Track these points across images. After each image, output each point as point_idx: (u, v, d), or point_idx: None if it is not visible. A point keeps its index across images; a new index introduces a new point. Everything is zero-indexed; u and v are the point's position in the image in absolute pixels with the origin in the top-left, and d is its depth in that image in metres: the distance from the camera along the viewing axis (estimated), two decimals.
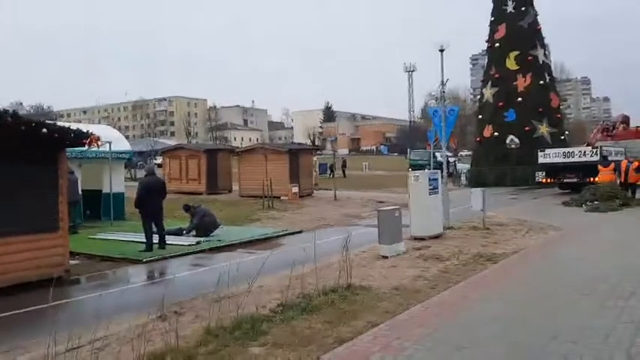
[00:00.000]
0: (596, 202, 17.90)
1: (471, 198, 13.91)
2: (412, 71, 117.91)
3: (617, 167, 20.52)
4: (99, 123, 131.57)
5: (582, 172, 23.56)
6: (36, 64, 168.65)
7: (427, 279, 8.09)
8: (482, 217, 13.95)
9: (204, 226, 13.66)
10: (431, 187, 12.24)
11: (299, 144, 40.85)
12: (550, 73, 36.42)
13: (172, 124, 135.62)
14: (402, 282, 7.92)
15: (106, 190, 17.64)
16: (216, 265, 10.49)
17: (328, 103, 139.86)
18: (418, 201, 12.17)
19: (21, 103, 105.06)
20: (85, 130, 8.95)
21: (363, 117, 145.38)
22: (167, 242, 12.43)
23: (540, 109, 33.99)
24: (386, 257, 10.14)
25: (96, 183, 17.78)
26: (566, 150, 25.69)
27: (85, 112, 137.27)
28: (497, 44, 36.07)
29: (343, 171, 48.40)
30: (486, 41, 37.47)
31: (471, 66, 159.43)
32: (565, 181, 24.73)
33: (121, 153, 17.69)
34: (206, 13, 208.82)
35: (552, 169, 25.20)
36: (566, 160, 24.43)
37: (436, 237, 12.32)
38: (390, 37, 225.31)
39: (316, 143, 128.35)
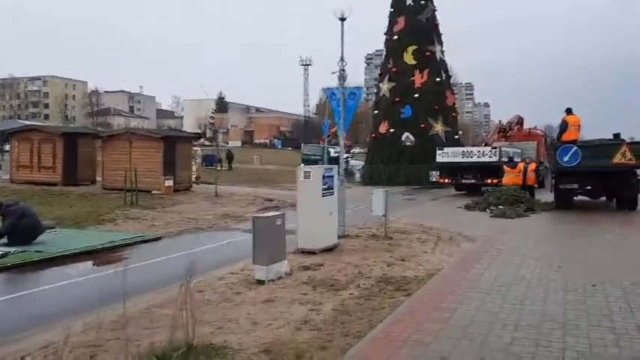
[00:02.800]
0: (501, 207, 16.42)
1: (371, 200, 11.50)
2: (308, 65, 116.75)
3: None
4: None
5: (481, 173, 22.44)
6: None
7: (316, 326, 5.41)
8: (384, 225, 11.64)
9: (21, 230, 10.03)
10: (325, 187, 9.64)
11: (177, 130, 36.91)
12: (446, 71, 35.70)
13: (47, 106, 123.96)
14: (279, 333, 5.17)
15: None
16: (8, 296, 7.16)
17: (221, 93, 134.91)
18: (308, 204, 9.52)
19: None
20: None
21: (258, 109, 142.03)
22: None
23: (436, 107, 33.07)
24: (262, 282, 7.37)
25: None
26: (465, 149, 24.53)
27: None
28: (395, 37, 34.70)
29: (229, 163, 44.88)
30: (385, 33, 36.00)
31: (365, 65, 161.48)
32: (463, 181, 23.50)
33: None
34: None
35: (449, 169, 23.89)
36: (465, 159, 23.18)
37: (329, 250, 9.76)
38: (291, 30, 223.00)
39: (207, 134, 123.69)
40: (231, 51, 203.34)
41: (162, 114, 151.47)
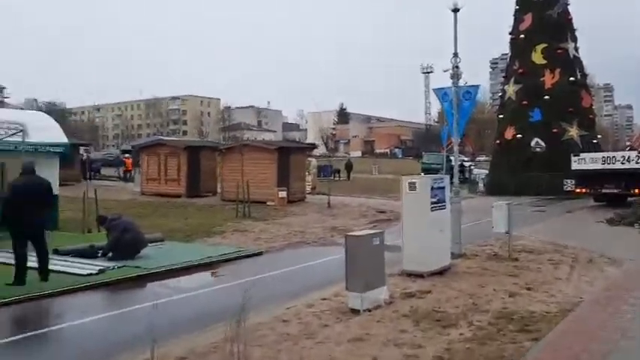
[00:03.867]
0: None
1: (492, 215, 10.02)
2: (429, 72, 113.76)
3: None
4: (113, 121, 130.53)
5: (626, 182, 19.53)
6: (50, 61, 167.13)
7: None
8: (508, 243, 10.09)
9: (123, 245, 9.98)
10: (435, 200, 8.44)
11: (293, 142, 37.06)
12: (582, 69, 32.20)
13: (185, 123, 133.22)
14: None
15: None
16: (97, 316, 6.86)
17: (342, 104, 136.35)
18: (415, 219, 8.38)
19: (35, 100, 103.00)
20: None
21: (379, 119, 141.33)
22: (60, 270, 8.80)
23: (570, 109, 29.83)
24: (356, 312, 6.38)
25: None
26: (607, 155, 21.58)
27: (98, 109, 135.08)
28: (521, 36, 31.98)
29: (348, 173, 44.45)
30: (510, 33, 33.39)
31: (490, 70, 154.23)
32: (603, 191, 20.65)
33: (49, 146, 14.06)
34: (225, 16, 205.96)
35: (587, 177, 21.14)
36: (606, 166, 20.35)
37: (440, 273, 8.51)
38: (409, 37, 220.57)
39: (329, 145, 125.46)
40: (351, 61, 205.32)
41: (287, 127, 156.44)
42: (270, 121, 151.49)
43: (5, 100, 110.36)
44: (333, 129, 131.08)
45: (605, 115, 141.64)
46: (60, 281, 8.22)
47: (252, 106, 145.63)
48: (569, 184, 22.31)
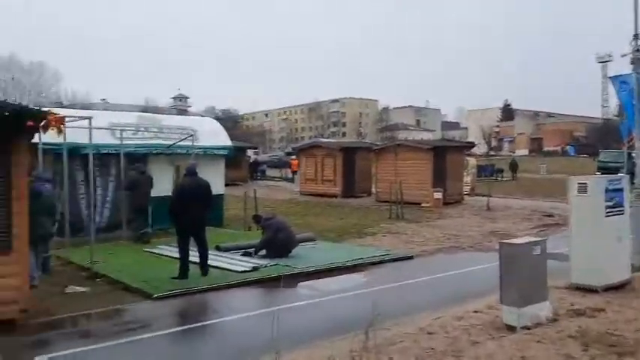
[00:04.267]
0: None
1: None
2: (607, 61, 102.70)
3: None
4: (279, 125, 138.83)
5: None
6: (226, 72, 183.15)
7: None
8: None
9: (276, 244, 10.28)
10: (610, 204, 7.33)
11: (450, 140, 35.71)
12: None
13: (344, 125, 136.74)
14: None
15: None
16: (242, 314, 7.08)
17: (507, 100, 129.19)
18: (585, 226, 7.36)
19: (213, 107, 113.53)
20: (36, 108, 6.05)
21: (549, 114, 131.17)
22: (218, 266, 9.32)
23: None
24: (512, 328, 5.73)
25: None
26: None
27: (266, 115, 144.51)
28: None
29: (513, 173, 41.81)
30: None
31: None
32: None
33: (216, 149, 15.11)
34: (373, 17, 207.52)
35: None
36: None
37: (616, 288, 7.36)
38: (582, 25, 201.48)
39: (492, 144, 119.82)
40: (517, 53, 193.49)
41: (447, 126, 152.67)
42: (428, 121, 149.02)
43: (188, 108, 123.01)
44: (497, 126, 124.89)
45: None
46: (217, 277, 8.68)
47: (410, 106, 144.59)
48: None
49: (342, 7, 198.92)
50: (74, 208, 12.87)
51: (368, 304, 7.24)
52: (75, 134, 12.44)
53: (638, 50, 8.61)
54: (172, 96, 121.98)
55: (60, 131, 6.18)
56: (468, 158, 28.82)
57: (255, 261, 9.72)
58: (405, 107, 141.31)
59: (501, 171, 42.12)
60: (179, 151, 13.95)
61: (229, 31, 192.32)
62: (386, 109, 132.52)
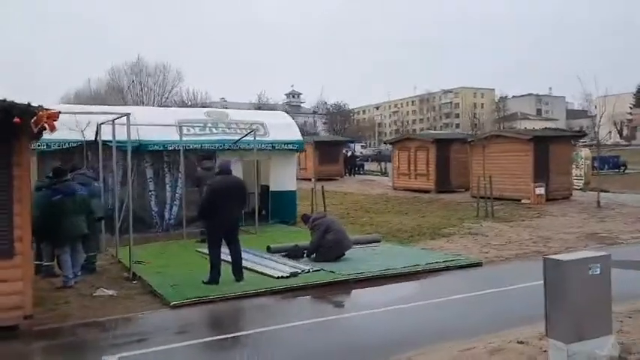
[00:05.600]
0: None
1: None
2: None
3: None
4: (390, 117, 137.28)
5: None
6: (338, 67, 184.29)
7: None
8: None
9: (325, 246, 9.46)
10: None
11: (557, 129, 32.38)
12: None
13: (457, 116, 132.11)
14: None
15: (274, 187, 14.86)
16: (251, 330, 6.37)
17: None
18: None
19: (325, 102, 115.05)
20: (24, 103, 5.71)
21: None
22: (257, 270, 8.71)
23: None
24: None
25: (264, 179, 15.14)
26: None
27: (377, 108, 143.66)
28: None
29: None
30: None
31: None
32: None
33: (285, 143, 14.55)
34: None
35: None
36: None
37: None
38: None
39: (624, 133, 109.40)
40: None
41: (572, 114, 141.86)
42: (551, 109, 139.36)
43: (301, 104, 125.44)
44: (629, 114, 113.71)
45: None
46: (249, 283, 8.04)
47: (530, 94, 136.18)
48: None
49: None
50: (143, 205, 13.02)
51: (397, 325, 6.30)
52: (144, 131, 12.64)
53: None
54: (285, 92, 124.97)
55: (53, 128, 5.82)
56: (581, 148, 25.88)
57: (300, 265, 8.96)
58: (524, 96, 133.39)
59: (624, 165, 37.75)
60: (246, 146, 13.58)
61: (343, 28, 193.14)
62: (503, 99, 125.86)
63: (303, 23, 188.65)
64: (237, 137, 13.72)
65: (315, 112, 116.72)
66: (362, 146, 72.99)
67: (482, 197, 17.33)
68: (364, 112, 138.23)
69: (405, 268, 8.93)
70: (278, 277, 8.27)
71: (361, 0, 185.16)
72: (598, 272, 4.65)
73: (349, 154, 38.39)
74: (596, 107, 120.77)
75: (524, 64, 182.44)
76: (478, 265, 9.43)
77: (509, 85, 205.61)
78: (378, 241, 11.34)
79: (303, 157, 33.61)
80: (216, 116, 14.45)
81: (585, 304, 4.59)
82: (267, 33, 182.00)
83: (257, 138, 13.59)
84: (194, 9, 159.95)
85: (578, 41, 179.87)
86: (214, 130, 13.67)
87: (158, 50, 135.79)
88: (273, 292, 7.76)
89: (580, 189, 22.81)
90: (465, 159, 24.28)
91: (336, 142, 35.81)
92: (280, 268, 8.77)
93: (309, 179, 32.69)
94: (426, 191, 23.85)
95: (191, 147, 12.95)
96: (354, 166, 36.26)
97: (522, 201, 19.29)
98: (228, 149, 13.57)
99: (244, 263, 8.52)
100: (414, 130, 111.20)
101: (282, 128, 14.83)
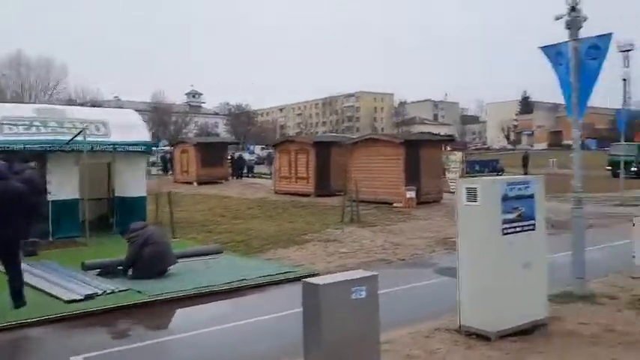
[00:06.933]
0: None
1: (633, 238, 6.36)
2: (628, 50, 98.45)
3: None
4: (294, 120, 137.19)
5: None
6: (241, 67, 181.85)
7: None
8: None
9: (142, 261, 8.42)
10: (511, 217, 5.29)
11: (427, 134, 33.42)
12: None
13: (359, 119, 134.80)
14: None
15: (120, 193, 13.52)
16: None
17: (525, 93, 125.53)
18: (476, 247, 5.34)
19: (227, 103, 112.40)
20: None
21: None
22: (45, 290, 7.50)
23: None
24: None
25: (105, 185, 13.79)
26: None
27: (281, 110, 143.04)
28: None
29: (524, 167, 39.64)
30: None
31: None
32: None
33: (129, 145, 13.21)
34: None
35: None
36: None
37: (526, 332, 5.33)
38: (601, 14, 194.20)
39: (510, 138, 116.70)
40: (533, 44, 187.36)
41: (466, 119, 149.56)
42: (446, 114, 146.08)
43: (202, 105, 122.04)
44: (515, 120, 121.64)
45: None
46: (33, 308, 6.82)
47: (428, 100, 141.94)
48: None
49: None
50: None
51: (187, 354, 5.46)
52: None
53: (574, 9, 6.49)
54: (186, 92, 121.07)
55: None
56: (455, 152, 26.68)
57: (105, 285, 7.83)
58: (422, 101, 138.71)
59: (502, 169, 39.82)
60: (83, 147, 12.08)
61: (255, 26, 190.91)
62: (403, 104, 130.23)
63: (208, 22, 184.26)
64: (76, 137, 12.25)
65: (216, 114, 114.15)
66: (262, 148, 72.06)
67: (355, 201, 17.08)
68: (268, 114, 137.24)
69: (229, 284, 8.10)
70: (69, 301, 7.12)
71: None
72: (363, 295, 4.06)
73: (237, 155, 37.27)
74: (486, 114, 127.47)
75: (424, 70, 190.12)
76: (314, 276, 8.80)
77: (409, 90, 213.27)
78: (219, 253, 10.46)
79: (185, 159, 32.23)
80: (48, 114, 12.86)
81: (348, 332, 3.97)
82: (167, 31, 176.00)
83: (98, 138, 12.24)
84: (88, 7, 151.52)
85: (472, 49, 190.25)
86: (42, 130, 12.11)
87: (46, 45, 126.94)
88: (59, 320, 6.62)
89: (452, 192, 23.34)
90: (345, 162, 24.09)
91: (221, 144, 34.58)
92: (75, 289, 7.59)
93: (192, 183, 31.52)
94: (306, 195, 23.34)
95: (10, 148, 11.32)
96: (241, 169, 35.15)
97: (395, 204, 19.26)
98: (59, 150, 12.07)
99: (35, 282, 7.30)
100: (317, 133, 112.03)
101: (127, 128, 13.48)
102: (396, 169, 19.74)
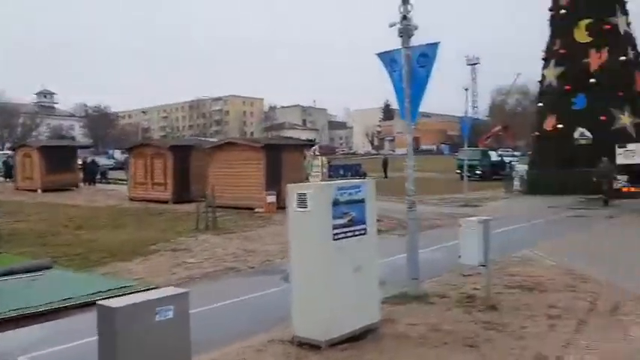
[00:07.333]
0: None
1: (459, 239, 6.65)
2: (475, 64, 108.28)
3: None
4: (159, 123, 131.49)
5: None
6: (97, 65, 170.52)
7: None
8: (487, 281, 6.71)
9: None
10: (341, 222, 5.22)
11: (288, 138, 33.99)
12: (635, 47, 27.48)
13: (227, 123, 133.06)
14: None
15: None
16: None
17: (387, 100, 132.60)
18: (307, 253, 5.20)
19: (85, 104, 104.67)
20: None
21: (425, 114, 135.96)
22: None
23: (620, 93, 25.41)
24: None
25: None
26: None
27: (144, 112, 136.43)
28: (562, 11, 27.62)
29: (384, 172, 41.56)
30: (549, 9, 29.03)
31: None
32: None
33: None
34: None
35: (637, 173, 17.17)
36: None
37: (356, 339, 5.29)
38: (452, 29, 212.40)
39: (375, 143, 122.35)
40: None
41: (333, 125, 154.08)
42: (315, 120, 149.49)
43: (55, 105, 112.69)
44: (378, 126, 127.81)
45: None
46: None
47: (297, 105, 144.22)
48: (621, 181, 18.32)
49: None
50: None
51: None
52: None
53: (406, 18, 6.69)
54: (36, 92, 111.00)
55: None
56: (318, 157, 27.10)
57: None
58: (291, 106, 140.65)
59: (365, 173, 41.39)
60: None
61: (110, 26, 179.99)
62: (273, 108, 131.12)
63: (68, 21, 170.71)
64: None
65: (72, 115, 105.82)
66: (122, 152, 68.13)
67: (220, 207, 16.57)
68: (130, 116, 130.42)
69: (48, 305, 7.21)
70: None
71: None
72: (170, 316, 3.67)
73: (89, 160, 34.68)
74: (353, 120, 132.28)
75: (292, 76, 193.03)
76: (149, 290, 8.18)
77: (281, 96, 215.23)
78: (48, 268, 9.38)
79: (29, 164, 29.14)
80: None
81: (151, 358, 3.55)
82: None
83: None
84: None
85: (340, 55, 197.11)
86: None
87: None
88: None
89: None
90: (204, 167, 23.36)
91: (70, 148, 31.92)
92: None
93: (35, 190, 28.61)
94: (164, 202, 22.21)
95: None
96: (94, 174, 32.72)
97: (256, 210, 19.00)
98: None
99: None
100: (184, 136, 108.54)
101: None
102: (257, 174, 19.49)
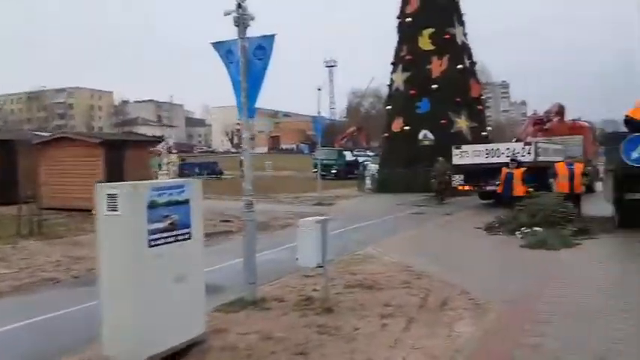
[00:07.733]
0: (536, 228, 11.11)
1: (297, 240, 6.39)
2: (332, 66, 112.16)
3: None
4: None
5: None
6: None
7: None
8: (325, 282, 6.53)
9: None
10: (159, 226, 4.64)
11: (132, 134, 32.39)
12: (470, 57, 30.03)
13: (73, 117, 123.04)
14: None
15: None
16: None
17: None
18: (118, 265, 4.54)
19: None
20: None
21: (286, 114, 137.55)
22: None
23: (458, 99, 27.59)
24: None
25: None
26: (490, 147, 18.96)
27: None
28: (408, 19, 29.32)
29: (242, 170, 40.85)
30: (397, 17, 30.64)
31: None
32: (487, 188, 18.05)
33: None
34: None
35: (469, 172, 18.55)
36: (490, 160, 17.77)
37: (180, 355, 4.74)
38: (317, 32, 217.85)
39: (234, 141, 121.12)
40: None
41: (192, 122, 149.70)
42: (171, 116, 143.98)
43: None
44: (238, 124, 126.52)
45: (503, 111, 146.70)
46: None
47: (151, 100, 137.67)
48: (457, 180, 19.65)
49: None
50: None
51: None
52: None
53: (240, 6, 6.27)
54: None
55: None
56: (171, 155, 25.85)
57: None
58: (145, 102, 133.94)
59: (221, 171, 40.61)
60: None
61: None
62: (125, 103, 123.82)
63: None
64: None
65: None
66: None
67: (53, 208, 14.86)
68: None
69: None
70: None
71: None
72: None
73: None
74: (211, 117, 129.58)
75: (145, 69, 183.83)
76: None
77: (132, 89, 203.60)
78: None
79: None
80: None
81: None
82: None
83: None
84: None
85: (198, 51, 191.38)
86: None
87: None
88: None
89: None
90: (34, 164, 20.95)
91: None
92: None
93: None
94: None
95: None
96: None
97: (93, 211, 17.35)
98: None
99: None
100: (20, 130, 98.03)
101: None
102: (94, 173, 17.77)
